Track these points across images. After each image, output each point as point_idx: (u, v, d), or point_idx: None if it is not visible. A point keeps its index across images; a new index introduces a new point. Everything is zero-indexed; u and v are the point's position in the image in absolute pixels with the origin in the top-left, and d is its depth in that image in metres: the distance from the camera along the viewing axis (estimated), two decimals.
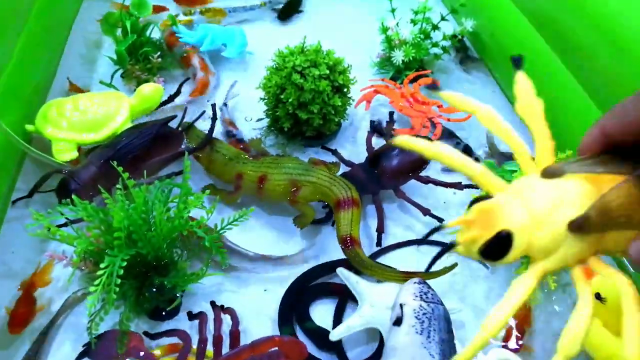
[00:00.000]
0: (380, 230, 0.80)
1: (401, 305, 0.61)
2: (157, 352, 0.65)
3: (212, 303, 0.70)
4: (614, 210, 0.33)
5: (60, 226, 0.67)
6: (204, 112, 0.88)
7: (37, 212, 0.62)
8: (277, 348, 0.61)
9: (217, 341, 0.66)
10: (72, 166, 0.80)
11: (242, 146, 0.87)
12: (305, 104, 0.85)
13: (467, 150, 0.90)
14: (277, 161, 0.80)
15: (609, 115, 0.36)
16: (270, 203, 0.82)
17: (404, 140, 0.38)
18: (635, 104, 0.35)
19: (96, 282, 0.58)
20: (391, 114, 0.95)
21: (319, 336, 0.68)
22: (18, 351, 0.66)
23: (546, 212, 0.34)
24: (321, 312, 0.72)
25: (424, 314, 0.60)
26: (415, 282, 0.64)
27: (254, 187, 0.78)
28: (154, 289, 0.68)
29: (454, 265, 0.67)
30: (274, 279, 0.75)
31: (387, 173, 0.81)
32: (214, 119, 0.85)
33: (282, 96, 0.85)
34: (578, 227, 0.33)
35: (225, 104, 0.97)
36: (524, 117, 0.38)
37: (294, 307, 0.70)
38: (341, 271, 0.70)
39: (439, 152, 0.37)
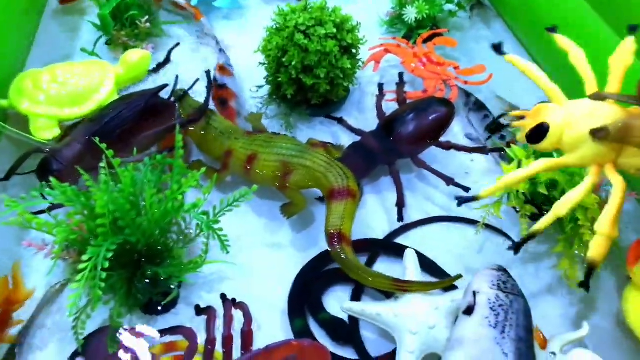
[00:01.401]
0: (401, 203, 0.72)
1: (474, 293, 0.54)
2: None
3: (223, 296, 0.62)
4: (633, 130, 0.44)
5: (37, 213, 0.59)
6: (197, 80, 0.79)
7: (9, 199, 0.54)
8: (295, 355, 0.53)
9: (227, 342, 0.58)
10: (54, 144, 0.72)
11: (221, 93, 0.81)
12: (311, 67, 0.76)
13: (498, 125, 0.81)
14: (270, 140, 0.71)
15: None
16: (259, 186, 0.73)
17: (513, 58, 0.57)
18: None
19: (78, 276, 0.51)
20: (401, 75, 0.86)
21: (335, 328, 0.61)
22: None
23: (578, 118, 0.48)
24: (336, 301, 0.64)
25: (500, 305, 0.53)
26: (493, 269, 0.57)
27: (242, 167, 0.70)
28: (147, 281, 0.60)
29: (459, 277, 0.60)
30: (281, 266, 0.67)
31: (403, 140, 0.72)
32: (209, 87, 0.76)
33: (284, 59, 0.76)
34: (597, 133, 0.46)
35: (221, 49, 0.89)
36: (574, 64, 0.53)
37: (305, 297, 0.63)
38: (349, 309, 0.60)
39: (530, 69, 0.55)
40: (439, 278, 0.65)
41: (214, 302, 0.63)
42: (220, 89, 0.83)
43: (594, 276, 0.51)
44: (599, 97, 0.49)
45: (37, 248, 0.62)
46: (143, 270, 0.59)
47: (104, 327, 0.59)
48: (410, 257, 0.62)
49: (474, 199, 0.56)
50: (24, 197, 0.55)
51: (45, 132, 0.75)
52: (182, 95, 0.78)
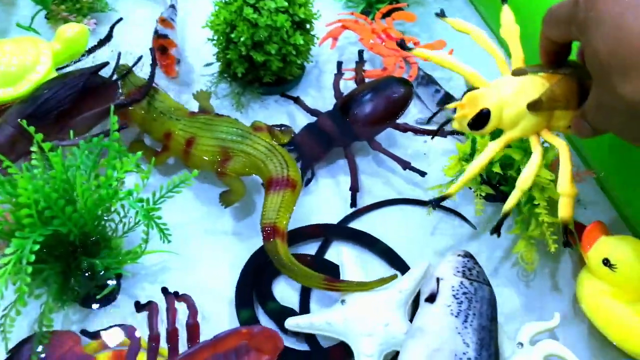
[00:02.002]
0: (355, 188, 0.69)
1: (438, 280, 0.52)
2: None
3: (164, 290, 0.58)
4: (557, 95, 0.50)
5: None
6: (141, 57, 0.74)
7: None
8: (245, 342, 0.51)
9: (172, 336, 0.54)
10: None
11: (162, 42, 0.79)
12: (261, 43, 0.72)
13: (448, 98, 0.79)
14: (210, 122, 0.66)
15: (545, 26, 0.50)
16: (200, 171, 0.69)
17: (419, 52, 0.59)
18: (559, 9, 0.48)
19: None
20: (360, 52, 0.82)
21: (285, 318, 0.58)
22: None
23: (512, 96, 0.51)
24: (285, 290, 0.62)
25: (464, 293, 0.51)
26: (459, 255, 0.55)
27: (181, 150, 0.66)
28: (84, 273, 0.56)
29: (394, 277, 0.57)
30: (229, 254, 0.64)
31: (360, 121, 0.69)
32: (153, 64, 0.72)
33: (232, 35, 0.71)
34: (533, 106, 0.50)
35: (172, 5, 0.86)
36: (505, 39, 0.55)
37: (253, 286, 0.60)
38: (295, 325, 0.56)
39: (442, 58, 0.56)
40: (395, 264, 0.63)
41: (157, 294, 0.59)
42: (160, 38, 0.80)
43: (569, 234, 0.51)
44: (520, 72, 0.52)
45: None
46: (78, 262, 0.55)
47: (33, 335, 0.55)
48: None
49: (445, 198, 0.54)
50: None
51: None
52: (126, 73, 0.73)
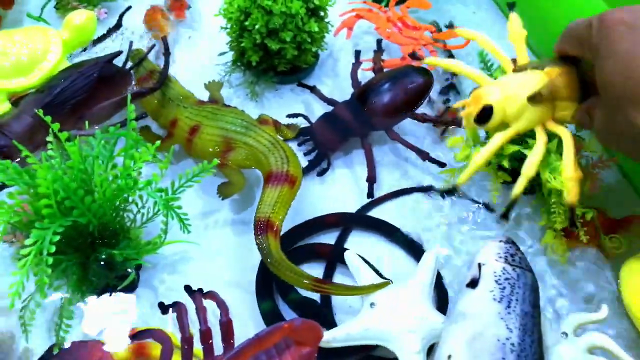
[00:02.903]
0: (372, 179, 0.68)
1: (480, 265, 0.52)
2: None
3: (188, 288, 0.56)
4: (558, 87, 0.52)
5: None
6: (153, 45, 0.73)
7: None
8: (288, 336, 0.49)
9: (206, 336, 0.52)
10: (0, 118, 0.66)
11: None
12: (276, 31, 0.70)
13: (451, 87, 0.77)
14: (217, 112, 0.66)
15: (561, 40, 0.53)
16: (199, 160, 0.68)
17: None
18: (576, 27, 0.51)
19: (20, 262, 0.46)
20: (379, 42, 0.81)
21: (306, 309, 0.57)
22: None
23: (514, 91, 0.54)
24: None
25: (506, 279, 0.50)
26: (501, 240, 0.54)
27: (185, 138, 0.65)
28: (102, 264, 0.56)
29: (388, 282, 0.55)
30: (249, 245, 0.63)
31: (378, 111, 0.68)
32: (166, 53, 0.71)
33: (246, 23, 0.70)
34: (533, 98, 0.52)
35: None
36: (513, 42, 0.59)
37: (273, 277, 0.59)
38: (333, 339, 0.53)
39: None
40: (415, 252, 0.63)
41: (176, 285, 0.59)
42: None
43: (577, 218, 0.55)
44: (521, 68, 0.56)
45: None
46: (97, 253, 0.55)
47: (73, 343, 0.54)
48: (429, 258, 0.57)
49: (454, 188, 0.56)
50: None
51: None
52: (140, 60, 0.72)
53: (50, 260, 0.46)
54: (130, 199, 0.57)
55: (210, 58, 0.81)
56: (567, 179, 0.52)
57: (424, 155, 0.69)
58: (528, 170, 0.53)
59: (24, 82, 0.71)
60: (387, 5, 0.86)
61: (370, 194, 0.68)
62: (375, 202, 0.68)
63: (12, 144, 0.61)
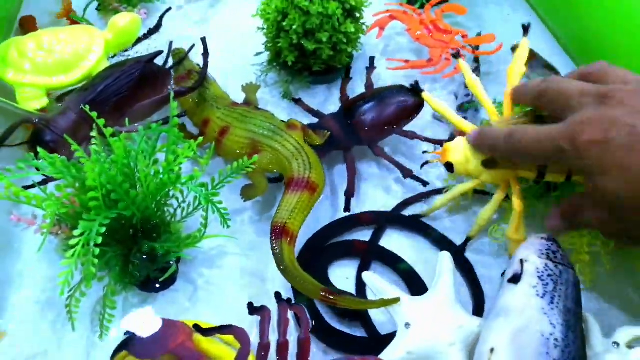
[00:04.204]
0: (350, 193, 0.67)
1: (522, 261, 0.52)
2: None
3: (278, 295, 0.57)
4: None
5: (28, 187, 0.56)
6: (193, 45, 0.75)
7: None
8: None
9: (283, 349, 0.52)
10: (45, 114, 0.68)
11: None
12: (313, 31, 0.72)
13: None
14: (247, 114, 0.66)
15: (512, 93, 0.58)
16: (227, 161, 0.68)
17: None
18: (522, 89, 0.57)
19: (69, 252, 0.47)
20: (372, 59, 0.82)
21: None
22: None
23: (472, 153, 0.58)
24: (339, 276, 0.62)
25: (549, 275, 0.50)
26: (542, 237, 0.54)
27: (215, 138, 0.66)
28: (144, 257, 0.57)
29: (396, 300, 0.54)
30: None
31: (364, 125, 0.67)
32: (205, 54, 0.72)
33: (284, 23, 0.72)
34: (486, 165, 0.57)
35: None
36: (508, 76, 0.61)
37: (309, 270, 0.60)
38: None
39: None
40: (448, 250, 0.63)
41: (214, 279, 0.60)
42: None
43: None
44: (505, 121, 0.57)
45: (26, 223, 0.59)
46: (139, 245, 0.56)
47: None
48: (446, 260, 0.57)
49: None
50: (9, 169, 0.51)
51: (32, 101, 0.71)
52: (182, 58, 0.74)
53: (97, 251, 0.48)
54: (171, 194, 0.58)
55: (244, 58, 0.82)
56: (508, 238, 0.59)
57: (407, 173, 0.68)
58: (481, 222, 0.61)
59: (64, 80, 0.73)
60: (422, 8, 0.87)
61: (347, 207, 0.66)
62: (408, 202, 0.68)
63: (58, 139, 0.63)
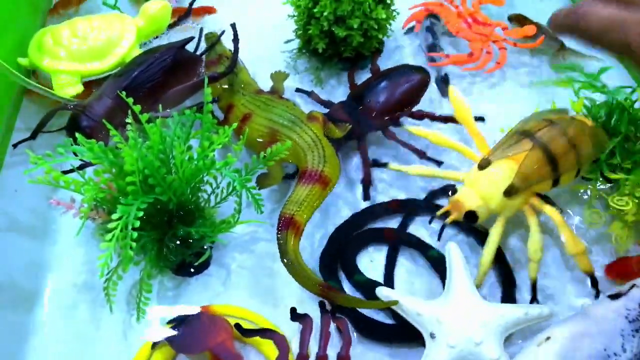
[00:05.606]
0: (367, 181, 0.67)
1: (632, 286, 0.51)
2: None
3: (322, 305, 0.56)
4: (527, 174, 0.56)
5: (66, 172, 0.57)
6: (223, 32, 0.75)
7: (36, 155, 0.52)
8: None
9: None
10: (80, 100, 0.69)
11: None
12: (343, 18, 0.71)
13: (434, 47, 0.80)
14: (269, 102, 0.66)
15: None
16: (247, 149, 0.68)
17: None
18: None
19: (108, 235, 0.48)
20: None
21: (371, 290, 0.58)
22: None
23: (489, 190, 0.57)
24: (367, 264, 0.62)
25: None
26: None
27: (237, 124, 0.65)
28: (179, 241, 0.58)
29: (395, 302, 0.54)
30: (317, 225, 0.64)
31: (374, 110, 0.67)
32: (235, 40, 0.73)
33: (315, 10, 0.71)
34: (509, 193, 0.56)
35: None
36: (461, 122, 0.66)
37: (337, 257, 0.60)
38: (386, 297, 0.55)
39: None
40: (478, 238, 0.63)
41: (246, 262, 0.61)
42: None
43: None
44: (485, 164, 0.58)
45: (65, 207, 0.60)
46: (175, 230, 0.57)
47: (195, 315, 0.55)
48: (454, 252, 0.57)
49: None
50: (49, 154, 0.52)
51: (68, 88, 0.72)
52: (214, 42, 0.74)
53: (135, 234, 0.49)
54: (205, 180, 0.59)
55: (275, 45, 0.83)
56: (572, 255, 0.57)
57: (421, 154, 0.68)
58: (534, 255, 0.57)
59: (98, 67, 0.74)
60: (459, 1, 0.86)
61: (366, 196, 0.66)
62: (435, 194, 0.67)
63: (94, 125, 0.64)
